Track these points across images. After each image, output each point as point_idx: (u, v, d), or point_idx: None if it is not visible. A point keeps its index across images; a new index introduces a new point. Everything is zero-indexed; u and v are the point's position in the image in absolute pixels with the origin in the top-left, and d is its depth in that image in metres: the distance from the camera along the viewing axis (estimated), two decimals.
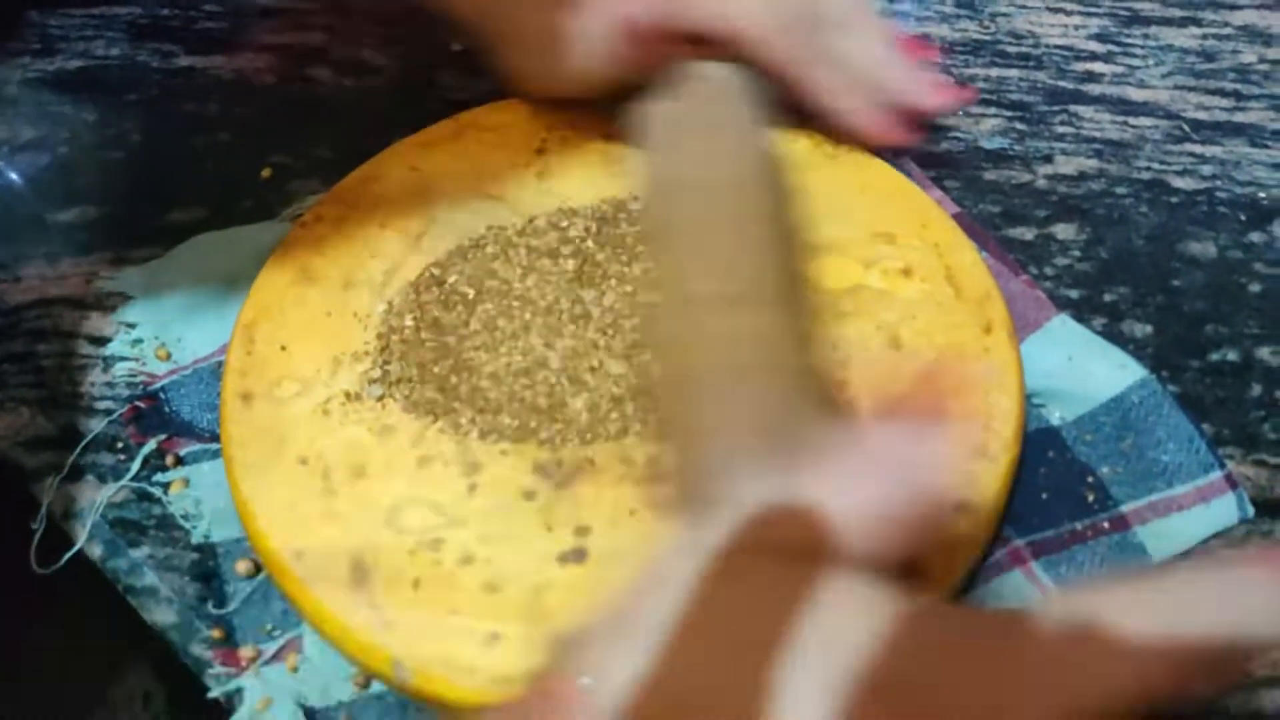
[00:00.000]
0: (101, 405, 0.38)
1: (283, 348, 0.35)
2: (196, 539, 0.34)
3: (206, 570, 0.33)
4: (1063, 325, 0.37)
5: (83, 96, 0.48)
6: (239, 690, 0.31)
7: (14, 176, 0.46)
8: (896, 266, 0.36)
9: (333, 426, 0.33)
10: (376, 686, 0.31)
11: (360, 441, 0.32)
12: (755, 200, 0.33)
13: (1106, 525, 0.33)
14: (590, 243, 0.36)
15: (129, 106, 0.48)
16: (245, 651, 0.32)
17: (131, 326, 0.39)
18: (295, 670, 0.31)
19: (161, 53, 0.50)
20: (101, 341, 0.39)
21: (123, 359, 0.39)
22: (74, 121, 0.47)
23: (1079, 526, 0.33)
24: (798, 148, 0.40)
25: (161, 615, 0.33)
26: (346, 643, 0.29)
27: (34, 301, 0.41)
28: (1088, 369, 0.35)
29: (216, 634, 0.32)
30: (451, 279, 0.36)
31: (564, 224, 0.37)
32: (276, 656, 0.32)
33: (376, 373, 0.34)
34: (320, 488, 0.31)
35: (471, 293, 0.35)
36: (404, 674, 0.28)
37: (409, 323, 0.35)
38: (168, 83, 0.49)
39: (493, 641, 0.28)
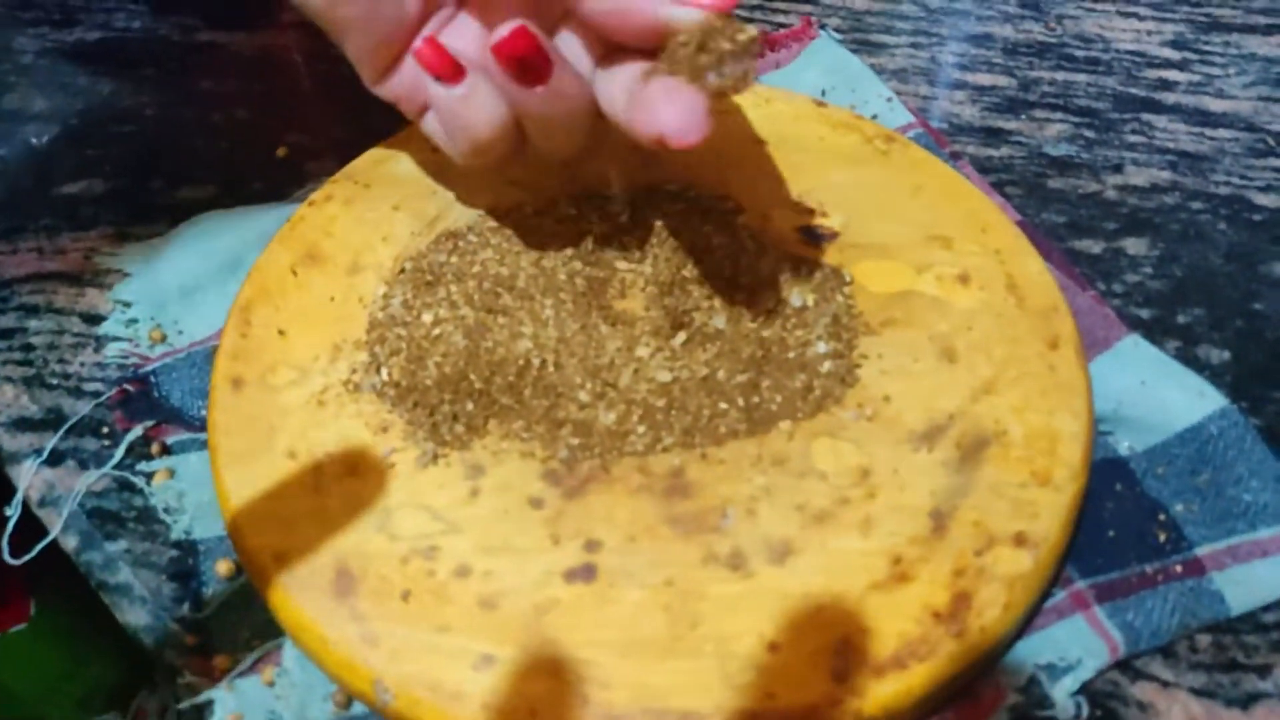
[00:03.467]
0: (90, 387, 0.35)
1: (280, 332, 0.32)
2: (177, 535, 0.31)
3: (185, 569, 0.31)
4: (1135, 346, 0.33)
5: (100, 69, 0.47)
6: (209, 703, 0.28)
7: (19, 146, 0.44)
8: (952, 272, 0.33)
9: (327, 419, 0.30)
10: (358, 708, 0.28)
11: (356, 436, 0.30)
12: None
13: (1179, 569, 0.29)
14: (624, 229, 0.33)
15: (146, 80, 0.46)
16: (219, 661, 0.29)
17: (127, 305, 0.37)
18: (271, 684, 0.28)
19: (183, 27, 0.48)
20: (95, 320, 0.37)
21: (115, 339, 0.36)
22: (89, 94, 0.45)
23: (1149, 569, 0.29)
24: (847, 141, 0.37)
25: (134, 616, 0.31)
26: (325, 657, 0.26)
27: (29, 275, 0.39)
28: (1162, 395, 0.32)
29: (190, 640, 0.29)
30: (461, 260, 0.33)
31: (591, 208, 0.34)
32: (252, 668, 0.29)
33: (372, 363, 0.31)
34: (309, 484, 0.29)
35: (484, 278, 0.33)
36: (386, 695, 0.25)
37: (408, 311, 0.32)
38: (187, 58, 0.47)
39: (485, 664, 0.25)
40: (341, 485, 0.29)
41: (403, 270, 0.33)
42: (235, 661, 0.29)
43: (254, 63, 0.46)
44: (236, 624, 0.30)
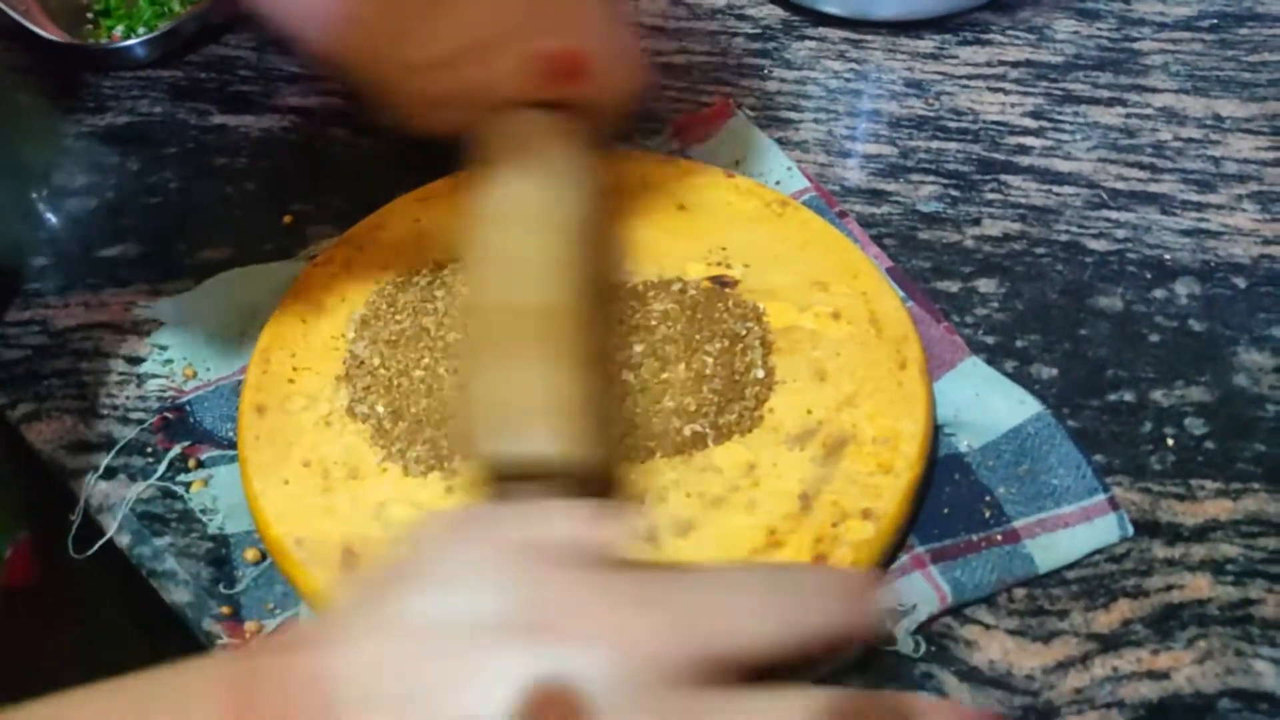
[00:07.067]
0: (134, 416, 0.43)
1: (294, 368, 0.40)
2: (212, 530, 0.39)
3: (219, 557, 0.39)
4: (974, 366, 0.42)
5: (128, 148, 0.55)
6: None
7: (65, 216, 0.52)
8: (827, 310, 0.41)
9: (333, 435, 0.38)
10: None
11: (355, 448, 0.38)
12: (559, 228, 0.38)
13: (999, 538, 0.37)
14: None
15: (168, 158, 0.54)
16: (250, 626, 0.37)
17: (163, 348, 0.45)
18: None
19: (198, 111, 0.56)
20: (136, 361, 0.45)
21: (154, 376, 0.44)
22: (120, 170, 0.54)
23: (975, 538, 0.37)
24: (749, 206, 0.45)
25: (179, 595, 0.38)
26: None
27: (79, 325, 0.47)
28: (991, 403, 0.40)
29: (225, 611, 0.37)
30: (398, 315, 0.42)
31: None
32: (276, 630, 0.37)
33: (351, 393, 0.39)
34: (320, 486, 0.37)
35: (421, 327, 0.41)
36: None
37: (367, 352, 0.40)
38: (203, 138, 0.55)
39: None
40: (346, 486, 0.37)
41: (375, 319, 0.41)
42: (261, 626, 0.37)
43: (260, 142, 0.54)
44: (262, 597, 0.37)
